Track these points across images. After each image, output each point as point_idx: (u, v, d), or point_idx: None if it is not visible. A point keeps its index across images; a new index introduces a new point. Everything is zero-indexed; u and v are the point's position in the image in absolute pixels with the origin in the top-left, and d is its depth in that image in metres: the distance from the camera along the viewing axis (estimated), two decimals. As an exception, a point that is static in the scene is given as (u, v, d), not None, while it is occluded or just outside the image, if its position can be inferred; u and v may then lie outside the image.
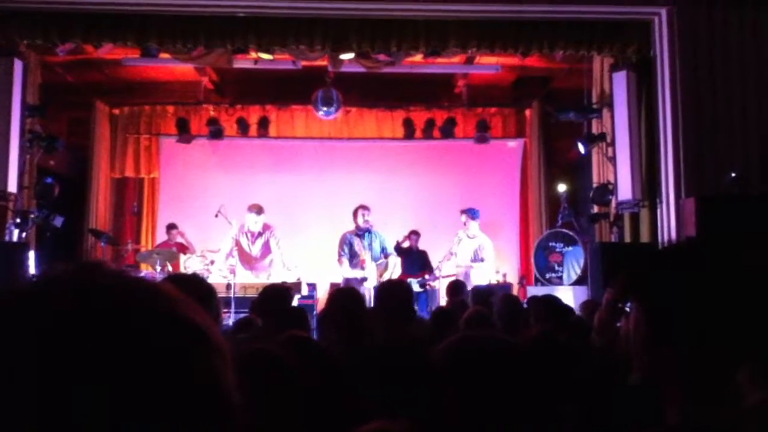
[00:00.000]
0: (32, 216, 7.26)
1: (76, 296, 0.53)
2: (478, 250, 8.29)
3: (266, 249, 8.13)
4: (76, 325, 0.51)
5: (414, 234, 8.44)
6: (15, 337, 0.51)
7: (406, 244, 8.16)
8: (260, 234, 8.14)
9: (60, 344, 0.50)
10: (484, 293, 5.88)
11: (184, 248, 8.82)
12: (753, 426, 1.09)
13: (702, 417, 1.08)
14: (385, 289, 3.55)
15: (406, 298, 3.34)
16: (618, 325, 3.62)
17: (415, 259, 8.25)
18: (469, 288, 7.50)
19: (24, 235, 7.18)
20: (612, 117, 7.50)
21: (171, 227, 9.03)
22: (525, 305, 4.67)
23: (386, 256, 7.99)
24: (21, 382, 0.50)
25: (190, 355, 0.54)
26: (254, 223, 8.06)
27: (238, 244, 8.07)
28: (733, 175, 6.25)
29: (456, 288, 5.96)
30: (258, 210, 8.07)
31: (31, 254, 6.81)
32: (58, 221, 7.45)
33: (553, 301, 3.57)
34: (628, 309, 1.38)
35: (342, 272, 7.86)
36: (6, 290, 0.56)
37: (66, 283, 0.55)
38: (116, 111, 10.11)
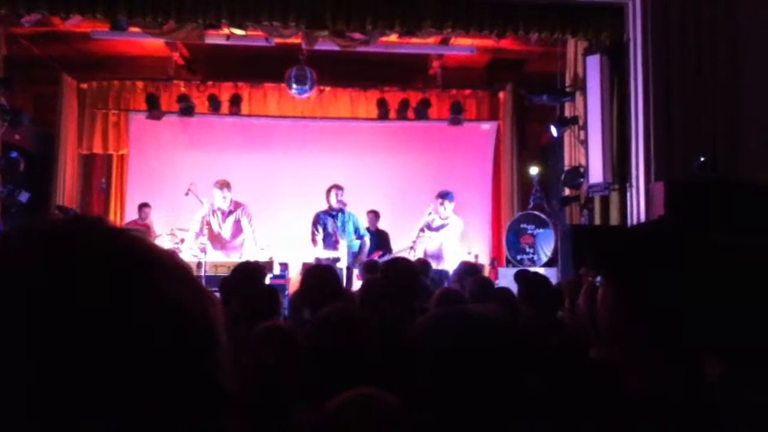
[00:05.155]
0: (-3, 191, 7.10)
1: (65, 254, 0.49)
2: (448, 231, 8.30)
3: (237, 229, 8.04)
4: (52, 287, 0.47)
5: (372, 214, 8.40)
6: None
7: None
8: (230, 212, 8.03)
9: (35, 307, 0.46)
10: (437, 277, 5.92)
11: (148, 230, 8.68)
12: (712, 398, 1.12)
13: (662, 389, 1.10)
14: (392, 266, 3.62)
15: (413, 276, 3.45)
16: (578, 302, 3.69)
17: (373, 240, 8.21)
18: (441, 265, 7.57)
19: (-12, 210, 7.02)
20: (584, 101, 7.56)
21: (143, 206, 8.88)
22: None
23: (359, 237, 7.97)
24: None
25: (171, 341, 0.50)
26: (222, 199, 7.92)
27: (208, 225, 7.96)
28: (702, 159, 6.35)
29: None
30: (223, 185, 7.91)
31: (-4, 230, 6.66)
32: (24, 197, 7.30)
33: (530, 279, 3.62)
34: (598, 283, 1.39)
35: (315, 252, 7.82)
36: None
37: (56, 236, 0.51)
38: (84, 86, 9.89)
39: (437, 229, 8.23)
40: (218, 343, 0.54)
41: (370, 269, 5.66)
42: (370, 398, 1.36)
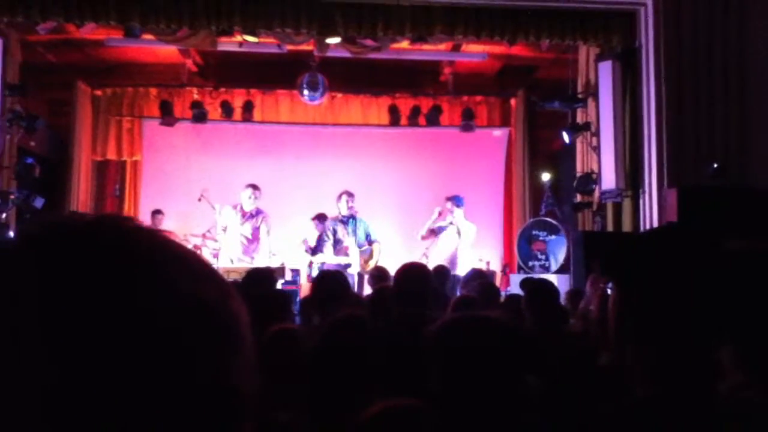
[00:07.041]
0: (12, 197, 7.17)
1: (84, 253, 0.48)
2: (460, 236, 8.26)
3: (255, 235, 8.01)
4: (72, 286, 0.46)
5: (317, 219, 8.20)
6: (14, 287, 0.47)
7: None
8: (251, 216, 8.02)
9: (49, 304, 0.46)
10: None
11: None
12: (722, 401, 1.11)
13: (671, 393, 1.10)
14: (404, 271, 3.59)
15: (426, 281, 3.42)
16: (590, 308, 3.67)
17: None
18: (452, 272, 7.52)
19: (3, 216, 7.09)
20: (596, 107, 7.54)
21: (156, 212, 8.92)
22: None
23: (370, 242, 7.96)
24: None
25: (195, 339, 0.48)
26: (248, 198, 7.94)
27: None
28: (715, 165, 6.32)
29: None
30: (255, 187, 7.97)
31: (11, 235, 6.73)
32: (39, 202, 7.37)
33: (538, 287, 3.61)
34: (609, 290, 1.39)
35: (325, 258, 7.82)
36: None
37: (77, 235, 0.50)
38: (98, 92, 9.98)
39: (438, 232, 8.17)
40: (244, 341, 0.53)
41: (378, 278, 5.62)
42: (404, 412, 1.34)
